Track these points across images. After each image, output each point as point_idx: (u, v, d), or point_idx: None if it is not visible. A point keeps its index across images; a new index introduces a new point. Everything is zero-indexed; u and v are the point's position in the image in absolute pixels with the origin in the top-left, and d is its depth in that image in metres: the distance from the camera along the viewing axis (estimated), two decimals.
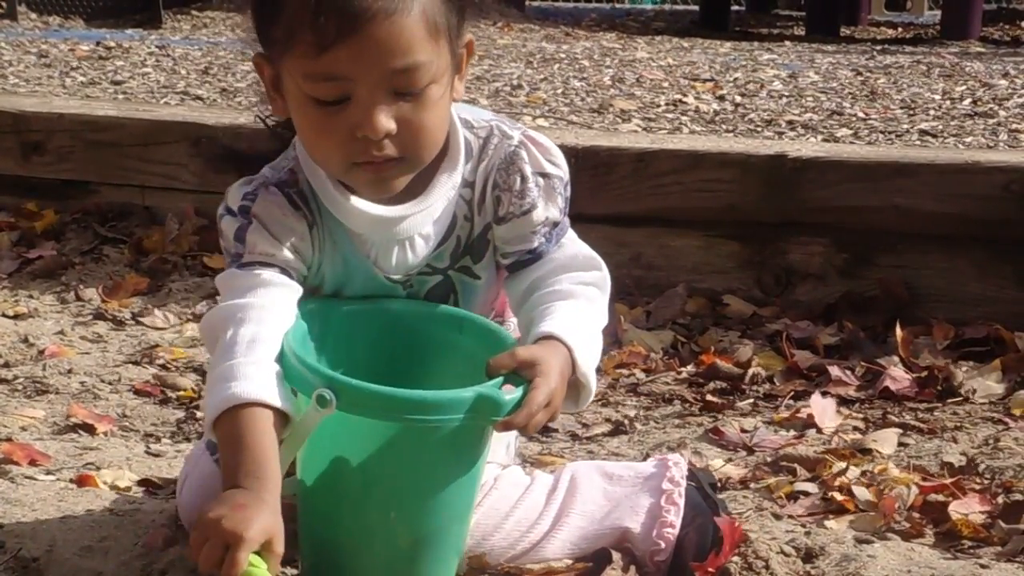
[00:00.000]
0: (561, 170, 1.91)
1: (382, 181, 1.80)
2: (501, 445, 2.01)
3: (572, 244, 1.92)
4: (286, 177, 1.86)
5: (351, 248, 1.87)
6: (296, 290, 1.84)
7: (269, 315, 1.77)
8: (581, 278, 1.89)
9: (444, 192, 1.87)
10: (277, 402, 1.69)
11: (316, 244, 1.86)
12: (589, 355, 1.80)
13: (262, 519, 1.61)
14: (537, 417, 1.71)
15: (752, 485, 2.34)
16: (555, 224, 1.91)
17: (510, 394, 1.70)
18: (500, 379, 1.72)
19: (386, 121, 1.73)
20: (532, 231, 1.90)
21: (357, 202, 1.84)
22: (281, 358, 1.73)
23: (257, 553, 1.61)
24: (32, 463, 2.37)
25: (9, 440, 2.48)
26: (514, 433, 2.06)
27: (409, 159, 1.79)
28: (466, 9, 1.82)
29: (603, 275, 1.91)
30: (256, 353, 1.73)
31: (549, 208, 1.90)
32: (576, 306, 1.85)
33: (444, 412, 1.67)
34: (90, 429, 2.56)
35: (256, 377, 1.70)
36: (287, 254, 1.84)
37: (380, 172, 1.78)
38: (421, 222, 1.87)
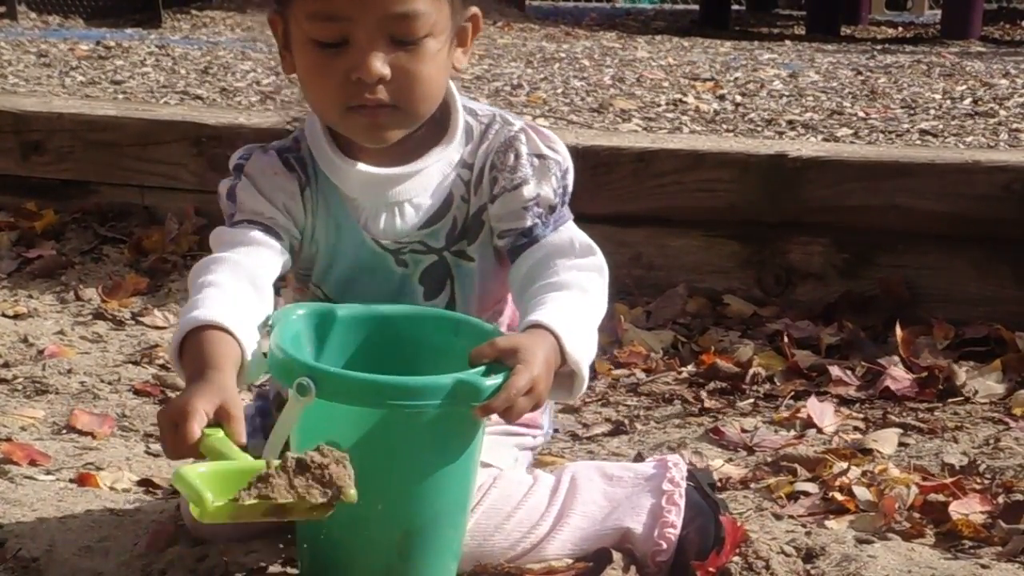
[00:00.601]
0: (559, 155, 1.93)
1: (376, 128, 1.84)
2: (508, 456, 2.01)
3: (568, 230, 1.92)
4: (289, 144, 1.93)
5: (343, 213, 1.91)
6: (279, 252, 1.88)
7: (242, 269, 1.82)
8: (578, 264, 1.89)
9: (439, 166, 1.91)
10: (231, 327, 1.72)
11: (308, 206, 1.91)
12: (579, 342, 1.78)
13: (207, 394, 1.63)
14: (519, 402, 1.69)
15: (752, 485, 2.34)
16: (551, 208, 1.92)
17: (491, 380, 1.70)
18: (482, 368, 1.72)
19: (381, 65, 1.79)
20: (523, 207, 1.91)
21: (352, 164, 1.89)
22: (269, 352, 1.75)
23: (219, 426, 1.62)
24: (32, 463, 2.37)
25: (9, 440, 2.48)
26: (528, 451, 2.05)
27: (403, 109, 1.83)
28: None
29: (600, 261, 1.91)
30: (217, 291, 1.77)
31: (542, 186, 1.91)
32: (569, 296, 1.84)
33: (423, 397, 1.68)
34: (91, 435, 2.56)
35: (214, 307, 1.74)
36: (275, 212, 1.89)
37: (374, 118, 1.82)
38: (412, 188, 1.90)
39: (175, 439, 1.61)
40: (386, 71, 1.79)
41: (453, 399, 1.68)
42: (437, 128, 1.91)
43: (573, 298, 1.84)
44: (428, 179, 1.91)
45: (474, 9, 1.91)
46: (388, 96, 1.81)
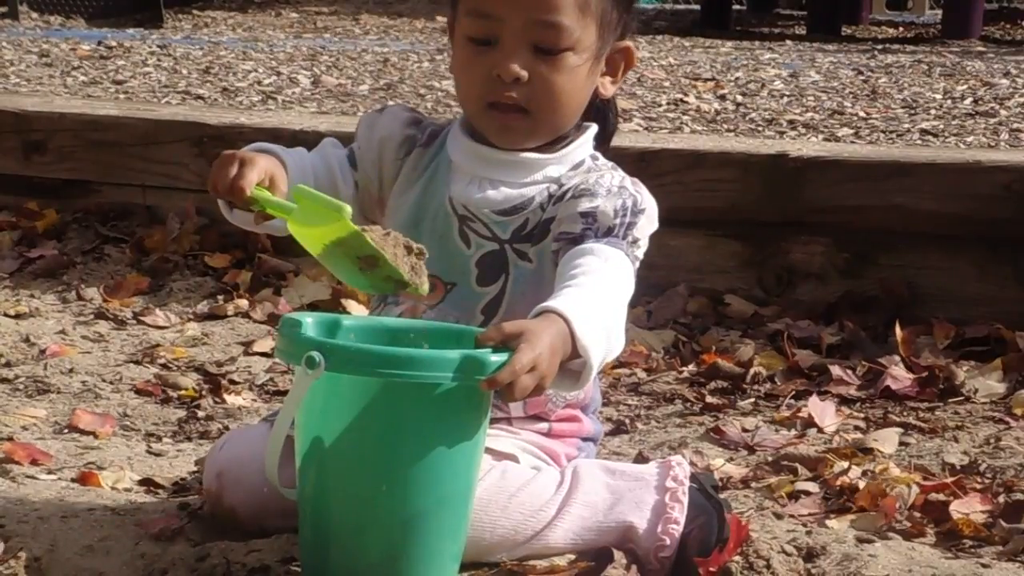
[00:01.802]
0: (640, 195, 2.00)
1: (507, 130, 1.98)
2: (530, 460, 2.01)
3: (613, 250, 1.95)
4: (439, 120, 2.11)
5: (444, 179, 2.04)
6: (344, 172, 2.03)
7: (299, 153, 2.00)
8: (606, 268, 1.91)
9: (538, 174, 2.01)
10: (282, 156, 1.92)
11: (411, 163, 2.05)
12: (590, 327, 1.80)
13: (267, 161, 1.84)
14: (523, 380, 1.71)
15: (753, 484, 2.35)
16: (608, 229, 1.96)
17: (497, 356, 1.72)
18: (489, 349, 1.74)
19: (519, 68, 1.94)
20: (580, 212, 1.97)
21: (470, 139, 2.03)
22: (276, 340, 1.80)
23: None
24: (33, 462, 2.37)
25: (10, 439, 2.48)
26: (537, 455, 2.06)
27: (534, 115, 1.97)
28: (630, 11, 2.02)
29: (629, 273, 1.96)
30: (275, 145, 1.97)
31: (606, 203, 1.96)
32: (587, 283, 1.87)
33: (431, 369, 1.70)
34: (92, 434, 2.56)
35: (270, 145, 1.94)
36: (367, 143, 2.06)
37: (506, 121, 1.97)
38: (505, 173, 2.01)
39: (234, 176, 1.79)
40: (523, 73, 1.94)
41: (459, 372, 1.70)
42: (558, 146, 2.02)
43: (591, 283, 1.87)
44: (522, 175, 2.01)
45: (628, 43, 2.03)
46: (523, 99, 1.95)
